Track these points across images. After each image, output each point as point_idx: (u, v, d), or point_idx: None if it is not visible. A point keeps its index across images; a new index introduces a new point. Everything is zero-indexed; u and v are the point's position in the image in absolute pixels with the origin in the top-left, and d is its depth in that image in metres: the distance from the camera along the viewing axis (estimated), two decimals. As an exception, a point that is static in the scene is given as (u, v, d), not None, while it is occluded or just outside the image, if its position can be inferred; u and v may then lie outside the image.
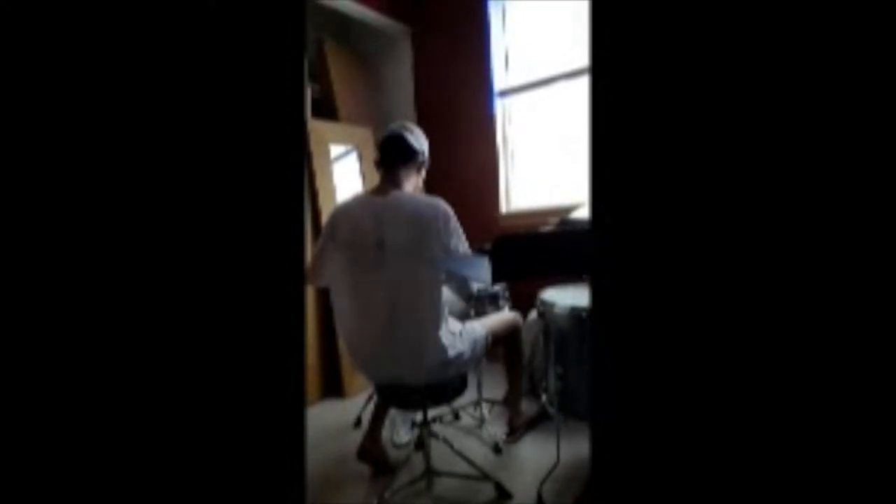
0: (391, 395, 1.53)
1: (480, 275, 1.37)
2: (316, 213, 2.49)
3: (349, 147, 2.82)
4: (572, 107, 2.64)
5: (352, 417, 2.16)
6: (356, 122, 2.95)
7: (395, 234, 1.37)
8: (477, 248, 1.50)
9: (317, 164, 2.53)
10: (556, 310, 1.51)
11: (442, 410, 2.05)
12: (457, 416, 2.10)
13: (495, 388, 2.17)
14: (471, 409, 2.11)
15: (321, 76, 2.92)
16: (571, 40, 2.60)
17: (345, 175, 2.73)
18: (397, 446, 1.89)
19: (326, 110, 2.86)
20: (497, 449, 1.81)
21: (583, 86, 2.52)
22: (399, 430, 1.99)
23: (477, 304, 1.96)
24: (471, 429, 2.02)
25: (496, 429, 1.96)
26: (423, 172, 1.62)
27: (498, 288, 2.00)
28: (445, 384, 1.47)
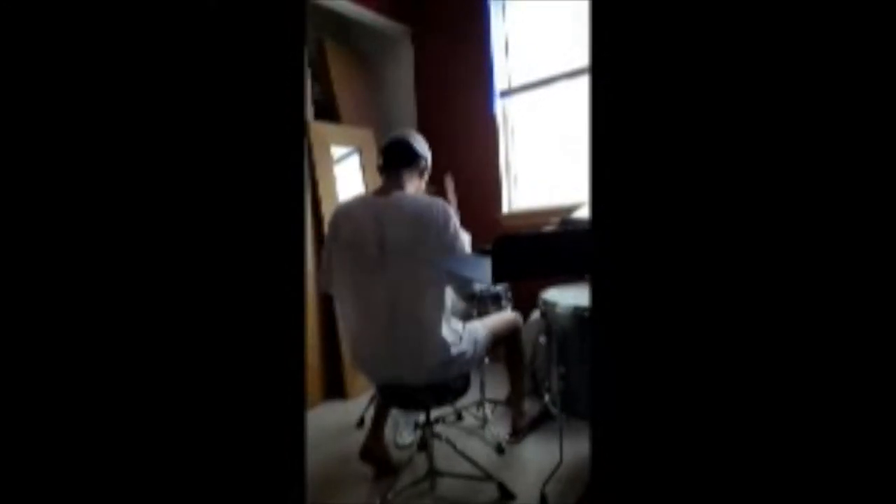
0: (392, 396, 1.53)
1: (481, 275, 1.37)
2: (318, 216, 2.50)
3: (351, 148, 2.82)
4: (572, 107, 2.64)
5: (354, 418, 2.16)
6: (357, 122, 2.95)
7: (395, 235, 1.38)
8: (478, 248, 1.51)
9: (319, 165, 2.53)
10: (559, 310, 1.51)
11: (445, 411, 2.05)
12: (460, 417, 2.10)
13: (498, 388, 2.17)
14: (473, 410, 2.11)
15: (321, 76, 2.92)
16: (571, 40, 2.60)
17: (347, 176, 2.74)
18: (400, 447, 1.89)
19: (327, 111, 2.87)
20: (500, 449, 1.81)
21: (583, 86, 2.52)
22: (402, 431, 1.99)
23: (479, 304, 1.96)
24: (474, 429, 2.02)
25: (499, 429, 1.96)
26: (426, 177, 1.64)
27: (500, 288, 2.00)
28: (447, 384, 1.47)
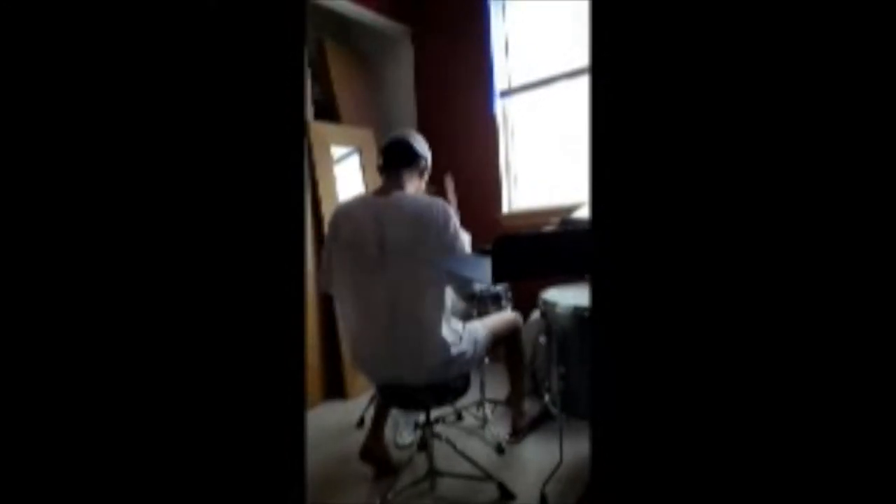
0: (392, 396, 1.53)
1: (481, 275, 1.37)
2: (318, 216, 2.50)
3: (351, 148, 2.82)
4: (572, 107, 2.63)
5: (354, 418, 2.16)
6: (357, 122, 2.95)
7: (394, 234, 1.38)
8: (478, 248, 1.51)
9: (319, 165, 2.53)
10: (559, 309, 1.51)
11: (445, 411, 2.05)
12: (460, 417, 2.10)
13: (498, 388, 2.17)
14: (474, 410, 2.11)
15: (321, 76, 2.92)
16: (571, 40, 2.60)
17: (347, 176, 2.74)
18: (400, 447, 1.89)
19: (327, 111, 2.87)
20: (500, 449, 1.81)
21: (583, 86, 2.52)
22: (402, 431, 1.99)
23: (479, 304, 1.96)
24: (474, 429, 2.02)
25: (499, 429, 1.96)
26: (426, 177, 1.64)
27: (500, 288, 2.00)
28: (447, 384, 1.47)
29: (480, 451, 1.80)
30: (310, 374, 2.39)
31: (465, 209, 1.95)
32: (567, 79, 2.62)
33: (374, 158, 2.90)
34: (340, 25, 3.13)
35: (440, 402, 1.58)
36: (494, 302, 1.99)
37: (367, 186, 2.81)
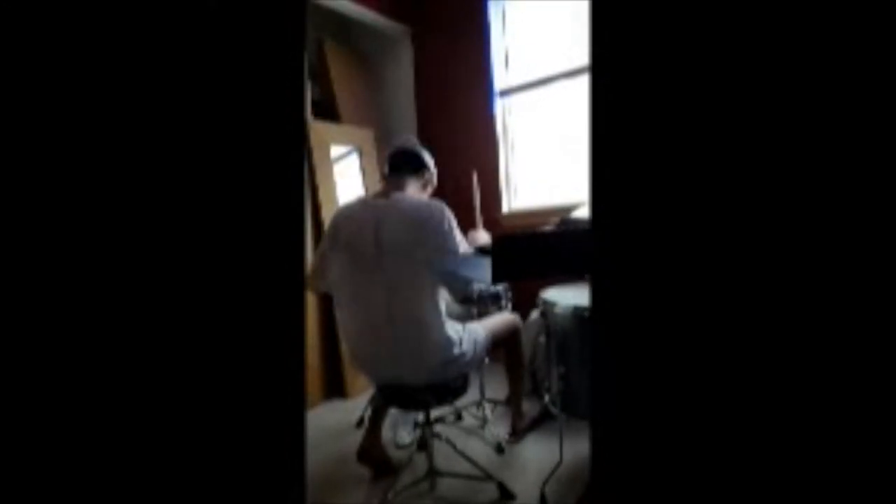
0: (392, 396, 1.53)
1: (481, 275, 1.37)
2: (317, 215, 2.49)
3: (350, 148, 2.82)
4: (572, 107, 2.63)
5: (354, 418, 2.16)
6: (357, 122, 2.95)
7: (392, 235, 1.38)
8: (478, 248, 1.51)
9: (318, 165, 2.53)
10: (558, 309, 1.51)
11: (444, 411, 2.05)
12: (459, 417, 2.10)
13: (498, 388, 2.17)
14: (473, 410, 2.11)
15: (321, 76, 2.92)
16: (571, 40, 2.60)
17: (346, 175, 2.74)
18: (400, 447, 1.89)
19: (327, 111, 2.87)
20: (500, 449, 1.81)
21: (583, 86, 2.52)
22: (401, 431, 1.99)
23: (479, 305, 1.96)
24: (473, 429, 2.02)
25: (499, 429, 1.95)
26: (429, 191, 1.65)
27: (500, 288, 2.00)
28: (447, 384, 1.47)
29: (480, 451, 1.80)
30: (310, 374, 2.39)
31: (465, 210, 1.95)
32: (566, 78, 2.62)
33: (374, 159, 2.91)
34: (340, 25, 3.13)
35: (440, 402, 1.58)
36: (494, 302, 1.99)
37: (366, 189, 2.81)
